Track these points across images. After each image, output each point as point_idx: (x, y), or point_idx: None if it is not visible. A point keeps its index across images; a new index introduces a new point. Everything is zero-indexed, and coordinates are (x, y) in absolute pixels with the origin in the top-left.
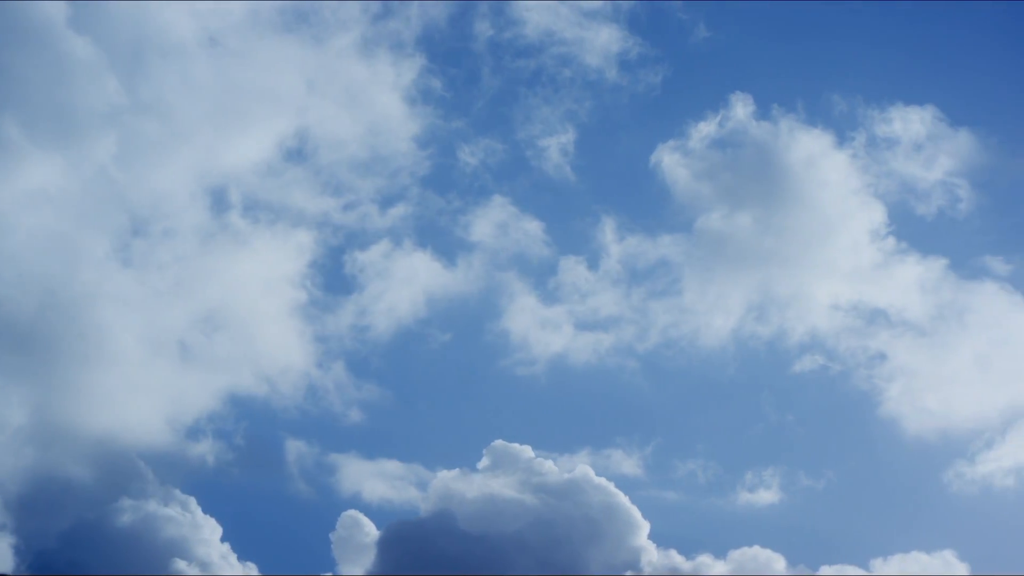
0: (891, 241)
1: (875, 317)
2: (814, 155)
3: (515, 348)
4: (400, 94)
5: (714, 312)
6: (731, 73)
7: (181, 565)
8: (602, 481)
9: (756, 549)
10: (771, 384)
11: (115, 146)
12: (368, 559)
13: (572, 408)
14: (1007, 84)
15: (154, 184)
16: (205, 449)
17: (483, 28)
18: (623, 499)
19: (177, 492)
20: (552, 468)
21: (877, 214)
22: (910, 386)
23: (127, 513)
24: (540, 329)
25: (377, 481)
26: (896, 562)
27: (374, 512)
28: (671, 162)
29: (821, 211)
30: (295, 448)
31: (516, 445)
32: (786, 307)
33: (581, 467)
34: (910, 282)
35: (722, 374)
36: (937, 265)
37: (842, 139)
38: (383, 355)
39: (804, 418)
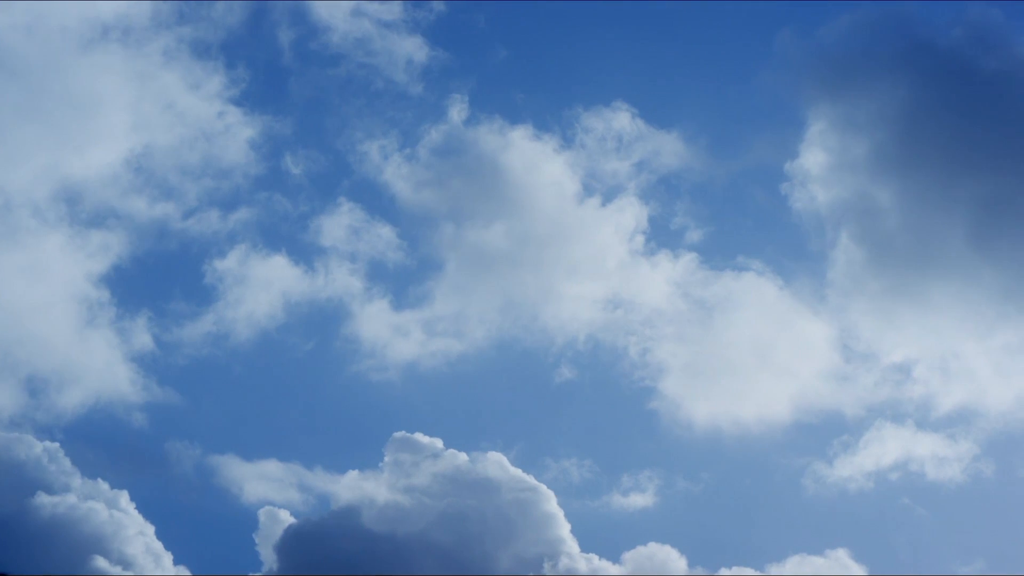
0: (639, 240)
1: (646, 315)
2: (535, 159)
3: (367, 354)
4: (219, 100)
5: (473, 320)
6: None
7: (101, 563)
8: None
9: (654, 547)
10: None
11: None
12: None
13: (435, 412)
14: (705, 87)
15: None
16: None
17: (286, 35)
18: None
19: (105, 487)
20: (463, 459)
21: (618, 215)
22: (695, 381)
23: (45, 508)
24: (392, 334)
25: (258, 482)
26: (793, 564)
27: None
28: (394, 174)
29: (556, 215)
30: (175, 450)
31: (421, 436)
32: (549, 311)
33: (494, 454)
34: (664, 279)
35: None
36: (687, 259)
37: (562, 141)
38: (242, 361)
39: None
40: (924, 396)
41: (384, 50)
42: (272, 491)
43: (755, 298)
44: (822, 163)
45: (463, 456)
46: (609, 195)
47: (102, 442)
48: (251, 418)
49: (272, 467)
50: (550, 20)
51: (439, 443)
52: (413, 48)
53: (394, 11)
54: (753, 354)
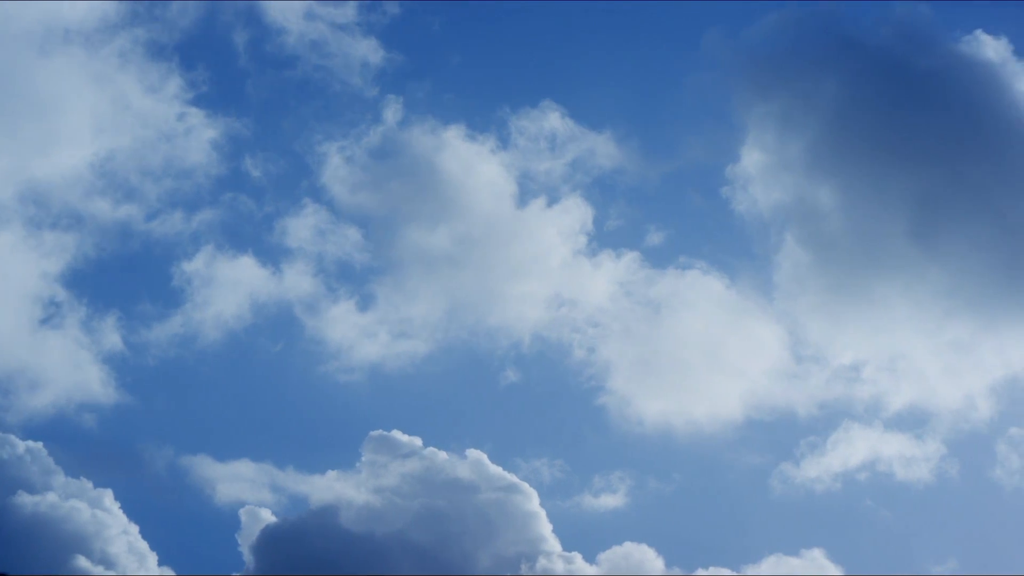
0: (582, 240)
1: (590, 313)
2: (471, 160)
3: (332, 355)
4: (179, 102)
5: (428, 322)
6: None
7: (83, 562)
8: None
9: (630, 546)
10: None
11: None
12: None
13: (401, 413)
14: (634, 88)
15: None
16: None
17: (241, 37)
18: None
19: (88, 485)
20: (442, 458)
21: (559, 216)
22: (651, 379)
23: (26, 507)
24: (358, 336)
25: (237, 483)
26: (769, 564)
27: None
28: (333, 177)
29: (500, 217)
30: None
31: (399, 434)
32: (499, 313)
33: (473, 452)
34: (611, 279)
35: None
36: (630, 259)
37: (497, 142)
38: (210, 362)
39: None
40: (875, 396)
41: (339, 52)
42: (250, 492)
43: (701, 298)
44: (761, 165)
45: (442, 455)
46: (550, 196)
47: (76, 442)
48: (224, 419)
49: (247, 468)
50: (479, 20)
51: (418, 441)
52: (368, 51)
53: (348, 14)
54: (702, 352)
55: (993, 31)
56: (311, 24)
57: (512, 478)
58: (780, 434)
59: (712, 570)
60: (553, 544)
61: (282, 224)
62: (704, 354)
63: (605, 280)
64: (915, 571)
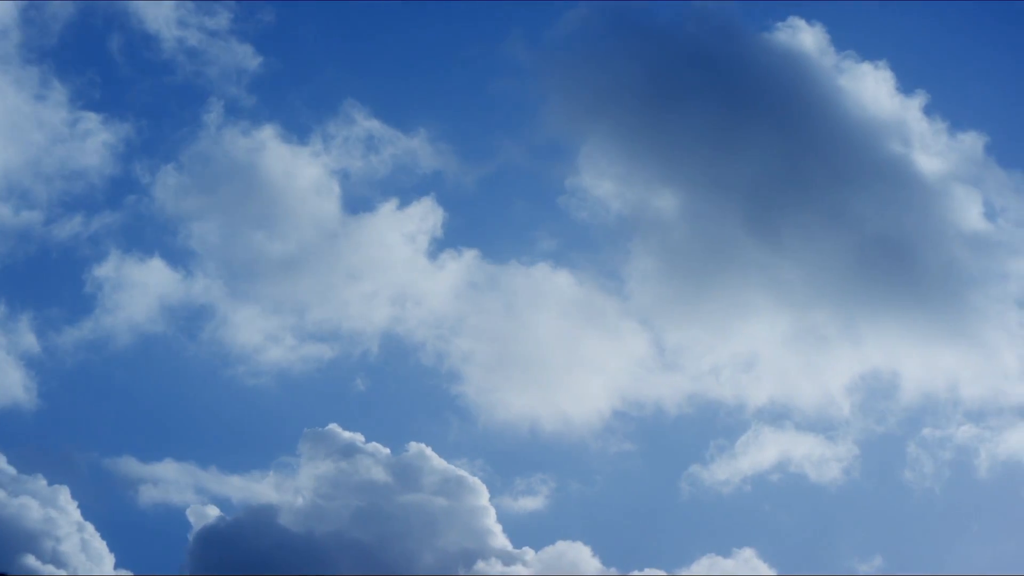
0: (421, 240)
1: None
2: (295, 164)
3: (238, 359)
4: (70, 107)
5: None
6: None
7: (32, 561)
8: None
9: (564, 544)
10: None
11: None
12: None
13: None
14: (444, 91)
15: None
16: None
17: (115, 42)
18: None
19: (43, 483)
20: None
21: (394, 217)
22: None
23: None
24: (265, 340)
25: (168, 484)
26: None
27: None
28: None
29: (327, 219)
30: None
31: (336, 428)
32: (342, 316)
33: (415, 445)
34: (456, 277)
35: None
36: (471, 256)
37: (322, 144)
38: (123, 366)
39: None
40: (737, 395)
41: (216, 60)
42: (187, 493)
43: (549, 297)
44: (591, 169)
45: (385, 451)
46: (382, 198)
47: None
48: (153, 421)
49: (172, 468)
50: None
51: (360, 437)
52: (244, 57)
53: (221, 21)
54: (561, 348)
55: (808, 18)
56: (185, 31)
57: (460, 472)
58: (650, 429)
59: (648, 571)
60: (502, 541)
61: (186, 228)
62: (563, 350)
63: (450, 278)
64: (840, 571)
